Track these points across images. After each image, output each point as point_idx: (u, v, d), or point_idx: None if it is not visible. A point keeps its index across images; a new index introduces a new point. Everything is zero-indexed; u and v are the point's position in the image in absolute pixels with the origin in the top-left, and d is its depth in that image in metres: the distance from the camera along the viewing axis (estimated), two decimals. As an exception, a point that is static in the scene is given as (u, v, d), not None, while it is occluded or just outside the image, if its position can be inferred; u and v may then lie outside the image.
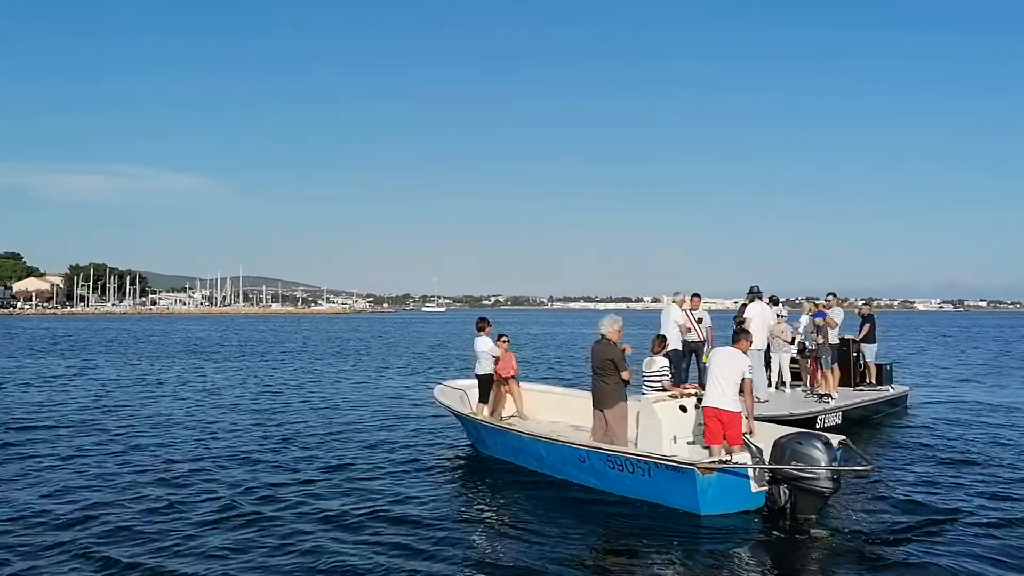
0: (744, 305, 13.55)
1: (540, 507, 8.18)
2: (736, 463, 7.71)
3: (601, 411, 9.15)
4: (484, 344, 11.11)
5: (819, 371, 13.78)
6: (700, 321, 12.91)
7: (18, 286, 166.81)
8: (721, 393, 8.15)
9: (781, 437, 7.64)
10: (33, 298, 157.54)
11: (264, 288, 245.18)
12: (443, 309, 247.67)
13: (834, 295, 14.59)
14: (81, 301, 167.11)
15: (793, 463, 7.23)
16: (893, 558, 6.48)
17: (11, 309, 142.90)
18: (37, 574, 6.28)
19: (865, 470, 7.73)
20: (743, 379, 8.17)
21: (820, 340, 13.69)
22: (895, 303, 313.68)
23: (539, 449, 9.44)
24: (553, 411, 11.70)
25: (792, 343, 14.80)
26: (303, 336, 55.20)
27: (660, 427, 8.67)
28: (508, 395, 11.43)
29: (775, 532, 7.18)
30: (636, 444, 8.83)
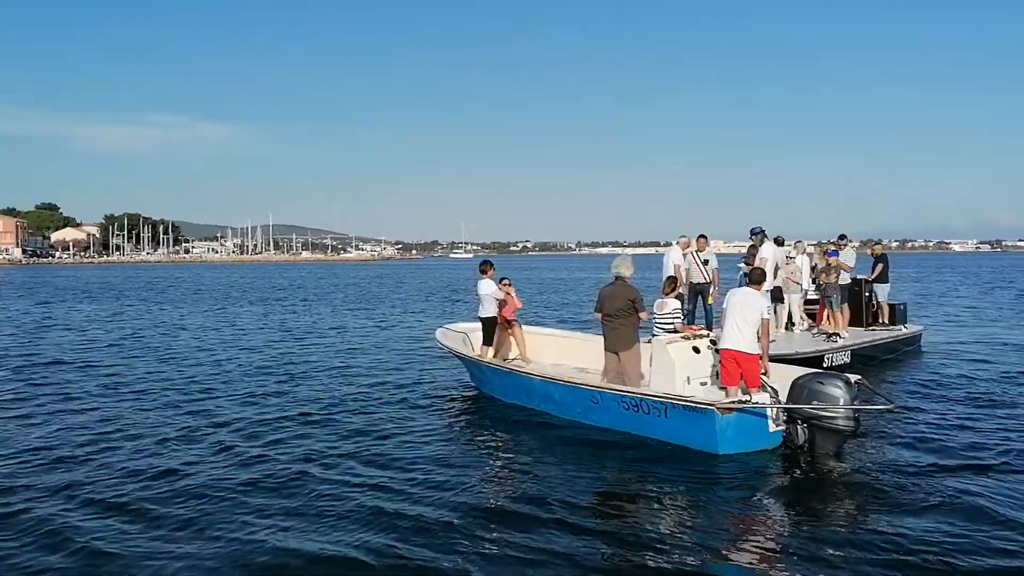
0: (754, 246, 13.50)
1: (551, 448, 8.19)
2: (756, 403, 7.70)
3: (615, 353, 9.07)
4: (487, 287, 11.14)
5: (828, 311, 13.76)
6: (706, 263, 12.93)
7: (56, 236, 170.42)
8: (740, 334, 8.08)
9: (799, 377, 7.64)
10: (70, 248, 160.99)
11: (294, 236, 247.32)
12: (471, 256, 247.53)
13: (845, 236, 14.42)
14: (117, 250, 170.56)
15: (813, 403, 7.24)
16: (913, 496, 6.45)
17: (50, 258, 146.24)
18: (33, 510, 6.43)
19: (887, 409, 7.78)
20: (761, 319, 8.13)
21: (832, 279, 13.64)
22: (930, 244, 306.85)
23: (550, 391, 9.42)
24: (556, 353, 11.77)
25: (802, 284, 14.77)
26: (327, 282, 55.92)
27: (674, 368, 8.66)
28: (511, 338, 11.56)
29: (794, 471, 7.18)
30: (649, 385, 8.79)
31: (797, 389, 7.48)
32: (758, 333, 8.19)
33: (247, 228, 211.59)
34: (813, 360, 11.21)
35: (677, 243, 12.94)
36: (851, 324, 14.27)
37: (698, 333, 9.37)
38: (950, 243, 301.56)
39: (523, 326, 11.93)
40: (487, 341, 11.19)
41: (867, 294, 14.88)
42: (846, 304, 13.83)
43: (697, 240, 13.07)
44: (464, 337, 11.89)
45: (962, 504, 6.27)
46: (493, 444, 8.58)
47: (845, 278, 14.34)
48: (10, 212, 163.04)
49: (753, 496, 6.58)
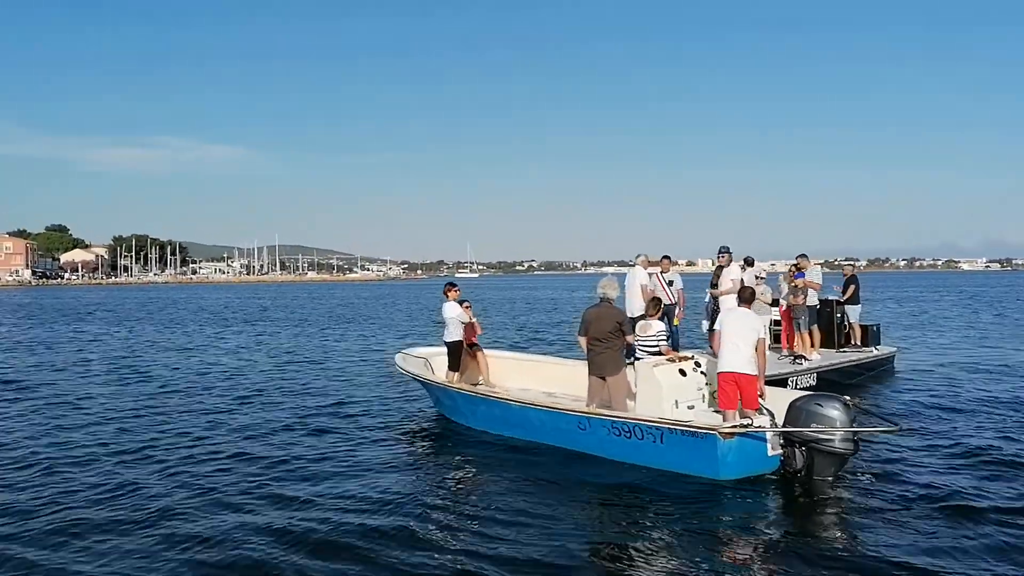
0: (720, 267, 13.50)
1: (530, 476, 7.86)
2: (758, 427, 7.54)
3: (602, 378, 8.78)
4: (452, 310, 10.73)
5: (796, 333, 13.74)
6: (671, 284, 12.95)
7: (65, 258, 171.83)
8: (738, 356, 7.97)
9: (797, 399, 7.55)
10: (79, 269, 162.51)
11: (300, 256, 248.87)
12: (476, 275, 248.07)
13: (805, 256, 14.37)
14: (125, 271, 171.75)
15: (812, 425, 7.16)
16: (911, 518, 6.41)
17: (59, 280, 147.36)
18: None
19: (892, 431, 7.64)
20: (758, 339, 8.02)
21: (798, 301, 13.64)
22: (939, 263, 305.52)
23: (531, 417, 9.03)
24: (520, 378, 11.44)
25: (774, 305, 14.78)
26: (323, 302, 56.10)
27: (661, 392, 8.42)
28: (474, 362, 11.23)
29: (794, 496, 7.10)
30: (634, 410, 8.58)
31: (795, 411, 7.36)
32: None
33: (254, 249, 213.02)
34: (776, 383, 11.17)
35: (637, 263, 12.87)
36: (823, 346, 14.25)
37: (683, 356, 9.22)
38: (959, 262, 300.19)
39: (486, 350, 11.70)
40: (453, 366, 10.77)
41: (838, 315, 14.86)
42: (815, 325, 13.80)
43: (661, 261, 13.08)
44: (425, 362, 11.49)
45: (959, 529, 6.16)
46: (466, 474, 8.20)
47: (813, 299, 14.33)
48: (20, 234, 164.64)
49: (752, 524, 6.43)
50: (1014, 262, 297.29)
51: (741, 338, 8.03)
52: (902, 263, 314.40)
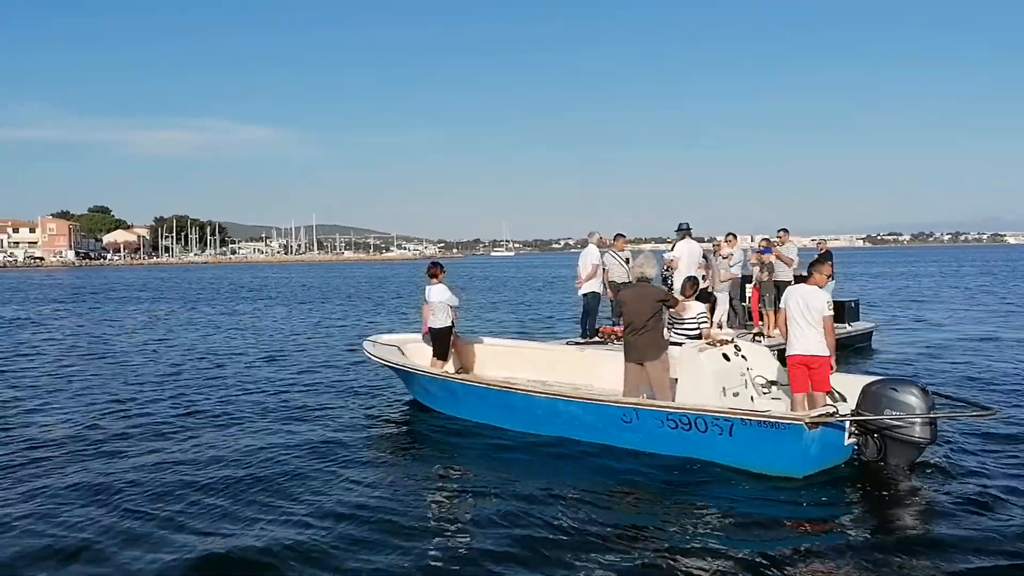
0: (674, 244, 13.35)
1: (565, 477, 7.11)
2: (842, 415, 6.99)
3: (640, 364, 8.11)
4: (441, 293, 9.89)
5: (763, 309, 13.50)
6: (628, 261, 12.82)
7: (108, 238, 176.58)
8: (805, 336, 7.48)
9: (871, 384, 7.21)
10: (121, 249, 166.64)
11: (337, 236, 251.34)
12: (512, 254, 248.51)
13: (785, 231, 14.06)
14: (166, 252, 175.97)
15: (887, 412, 6.83)
16: (991, 514, 6.02)
17: (102, 260, 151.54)
18: None
19: (987, 415, 7.21)
20: (824, 316, 7.46)
21: (764, 277, 13.37)
22: (984, 236, 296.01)
23: (559, 409, 8.22)
24: (501, 365, 10.61)
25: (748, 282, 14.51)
26: (338, 283, 56.71)
27: (707, 379, 7.85)
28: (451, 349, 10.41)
29: (866, 487, 6.72)
30: (675, 398, 7.94)
31: (871, 397, 7.02)
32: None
33: (291, 229, 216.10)
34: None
35: (590, 241, 12.80)
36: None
37: (723, 339, 8.75)
38: (1005, 235, 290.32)
39: (463, 335, 11.09)
40: (441, 354, 10.00)
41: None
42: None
43: (615, 240, 12.98)
44: (397, 349, 10.55)
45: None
46: (486, 475, 7.29)
47: (789, 275, 14.01)
48: (64, 215, 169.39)
49: (823, 520, 6.08)
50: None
51: (807, 317, 7.50)
52: (946, 237, 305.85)
